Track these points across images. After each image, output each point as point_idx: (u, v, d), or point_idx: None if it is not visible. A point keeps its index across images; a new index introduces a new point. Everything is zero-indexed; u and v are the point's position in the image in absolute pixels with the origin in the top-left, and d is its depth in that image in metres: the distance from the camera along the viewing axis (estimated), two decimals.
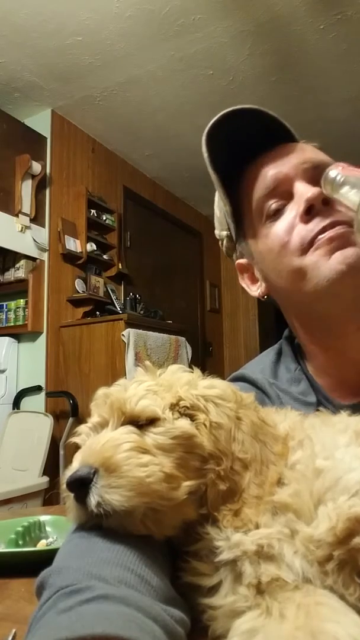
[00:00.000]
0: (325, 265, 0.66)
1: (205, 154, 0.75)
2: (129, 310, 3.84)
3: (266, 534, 0.42)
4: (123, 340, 3.22)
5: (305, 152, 0.75)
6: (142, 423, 0.48)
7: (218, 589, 0.43)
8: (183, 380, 0.52)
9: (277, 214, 0.73)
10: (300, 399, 0.75)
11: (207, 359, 5.29)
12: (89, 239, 3.77)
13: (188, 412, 0.49)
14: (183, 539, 0.47)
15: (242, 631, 0.38)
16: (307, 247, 0.68)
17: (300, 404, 0.73)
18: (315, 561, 0.41)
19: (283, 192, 0.73)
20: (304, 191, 0.70)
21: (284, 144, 0.76)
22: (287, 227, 0.71)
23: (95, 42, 2.98)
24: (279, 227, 0.72)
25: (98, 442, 0.46)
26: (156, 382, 0.52)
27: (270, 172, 0.74)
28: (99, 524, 0.44)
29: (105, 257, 3.99)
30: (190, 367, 0.56)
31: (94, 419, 0.51)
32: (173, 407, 0.49)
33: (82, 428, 0.52)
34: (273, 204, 0.73)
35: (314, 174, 0.71)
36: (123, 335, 3.22)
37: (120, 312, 3.68)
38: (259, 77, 3.35)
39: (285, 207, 0.72)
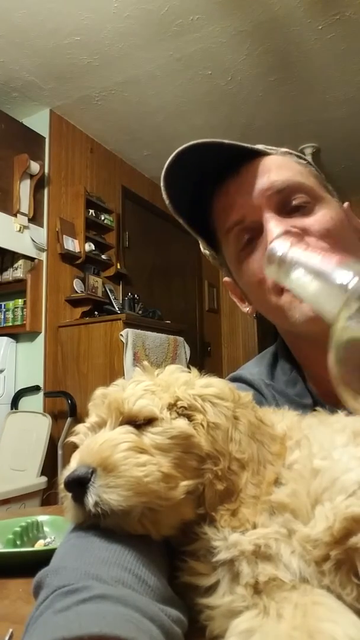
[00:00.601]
0: (297, 308, 0.68)
1: (166, 200, 0.74)
2: (128, 310, 3.83)
3: (263, 534, 0.43)
4: (121, 340, 3.21)
5: (270, 174, 0.72)
6: (140, 423, 0.48)
7: (215, 588, 0.43)
8: (181, 380, 0.52)
9: (250, 243, 0.73)
10: (296, 400, 0.75)
11: (205, 359, 5.28)
12: (87, 239, 3.77)
13: (186, 412, 0.49)
14: (180, 538, 0.47)
15: (240, 631, 0.38)
16: (280, 287, 0.69)
17: (297, 405, 0.72)
18: (312, 561, 0.41)
19: (252, 223, 0.72)
20: (269, 230, 0.69)
21: (249, 162, 0.74)
22: (260, 264, 0.71)
23: (94, 42, 2.98)
24: (253, 264, 0.73)
25: (96, 442, 0.46)
26: (154, 382, 0.52)
27: (237, 204, 0.73)
28: (96, 524, 0.44)
29: (103, 257, 3.99)
30: (188, 367, 0.56)
31: (91, 418, 0.51)
32: (171, 407, 0.49)
33: (80, 428, 0.52)
34: (245, 236, 0.73)
35: (279, 198, 0.71)
36: (121, 335, 3.22)
37: (119, 312, 3.67)
38: (258, 77, 3.34)
39: (258, 239, 0.72)
